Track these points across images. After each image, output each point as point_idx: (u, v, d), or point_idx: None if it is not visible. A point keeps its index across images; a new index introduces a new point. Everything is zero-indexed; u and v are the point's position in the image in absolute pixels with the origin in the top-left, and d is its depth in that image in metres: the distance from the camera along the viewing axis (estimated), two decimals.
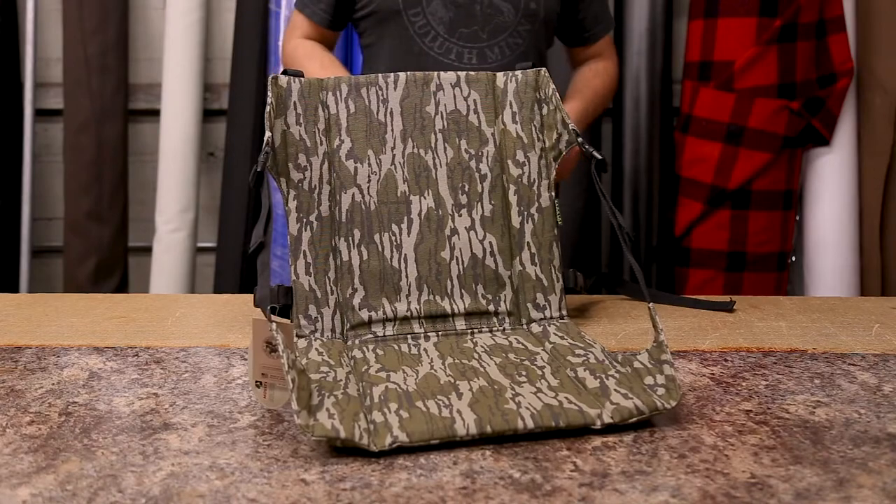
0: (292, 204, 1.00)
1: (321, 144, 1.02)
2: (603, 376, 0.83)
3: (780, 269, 2.16)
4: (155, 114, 2.37)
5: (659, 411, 0.78)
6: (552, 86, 1.08)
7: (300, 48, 1.47)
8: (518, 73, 1.09)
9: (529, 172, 1.06)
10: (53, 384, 0.89)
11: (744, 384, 0.89)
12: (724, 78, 2.08)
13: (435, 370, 0.87)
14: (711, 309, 1.17)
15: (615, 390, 0.80)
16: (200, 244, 2.41)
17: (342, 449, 0.74)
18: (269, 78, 1.02)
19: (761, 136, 2.08)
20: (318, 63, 1.41)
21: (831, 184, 2.16)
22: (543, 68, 1.10)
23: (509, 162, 1.06)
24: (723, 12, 2.09)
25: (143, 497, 0.66)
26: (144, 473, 0.69)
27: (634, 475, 0.69)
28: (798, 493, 0.66)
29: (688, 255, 2.17)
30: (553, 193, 1.06)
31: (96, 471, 0.70)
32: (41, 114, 2.44)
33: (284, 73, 1.04)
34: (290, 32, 1.51)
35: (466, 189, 1.03)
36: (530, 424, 0.75)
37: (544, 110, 1.07)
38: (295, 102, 1.03)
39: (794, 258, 2.27)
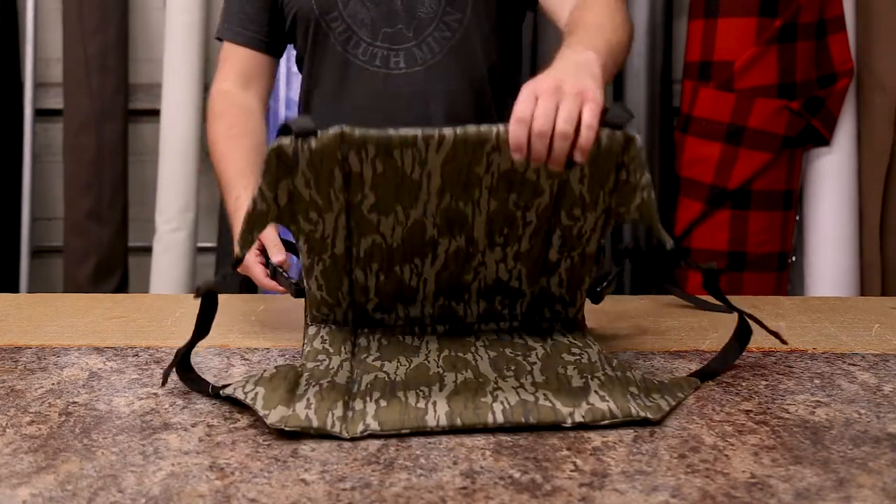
0: (303, 245, 0.90)
1: (337, 200, 0.85)
2: (589, 377, 0.84)
3: (780, 269, 2.16)
4: (155, 114, 2.37)
5: (633, 418, 0.78)
6: (642, 155, 0.83)
7: (216, 101, 1.23)
8: (603, 134, 0.80)
9: (583, 226, 0.90)
10: (53, 384, 0.89)
11: (744, 384, 0.89)
12: (724, 78, 2.08)
13: (428, 361, 0.88)
14: (712, 310, 1.17)
15: (595, 391, 0.81)
16: (200, 244, 2.41)
17: (342, 449, 0.74)
18: (269, 149, 0.81)
19: (761, 136, 2.07)
20: (225, 126, 1.19)
21: (831, 184, 2.16)
22: (637, 136, 0.83)
23: (563, 212, 0.89)
24: (723, 12, 2.09)
25: (143, 497, 0.66)
26: (144, 473, 0.69)
27: (634, 475, 0.69)
28: (798, 493, 0.66)
29: (688, 256, 2.17)
30: (603, 240, 0.93)
31: (96, 471, 0.70)
32: (41, 114, 2.44)
33: (285, 128, 0.81)
34: (218, 70, 1.26)
35: (505, 232, 0.90)
36: (500, 419, 0.77)
37: (622, 174, 0.85)
38: (304, 170, 0.83)
39: (794, 258, 2.27)
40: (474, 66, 1.20)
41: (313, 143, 0.79)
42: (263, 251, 1.07)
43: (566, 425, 0.78)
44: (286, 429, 0.75)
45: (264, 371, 0.83)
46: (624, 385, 0.83)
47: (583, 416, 0.78)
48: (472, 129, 0.79)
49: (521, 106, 0.78)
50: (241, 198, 1.10)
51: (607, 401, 0.80)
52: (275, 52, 1.27)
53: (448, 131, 0.79)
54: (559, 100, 0.78)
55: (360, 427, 0.76)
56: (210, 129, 1.21)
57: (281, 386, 0.81)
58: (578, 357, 0.89)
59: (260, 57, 1.24)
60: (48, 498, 0.66)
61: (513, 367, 0.87)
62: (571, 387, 0.83)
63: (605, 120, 0.80)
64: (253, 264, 1.06)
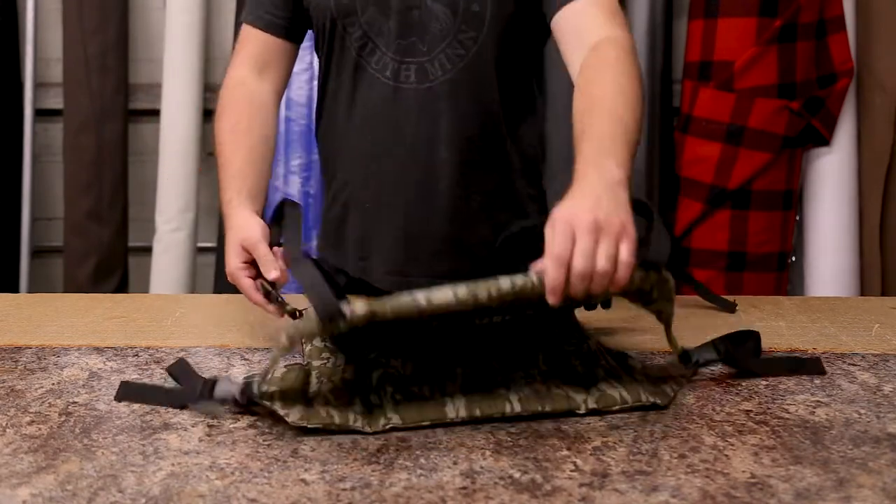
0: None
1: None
2: (593, 365, 0.86)
3: (780, 269, 2.16)
4: (155, 114, 2.37)
5: (643, 403, 0.81)
6: (672, 294, 0.84)
7: (227, 91, 1.19)
8: (637, 275, 0.79)
9: (594, 297, 0.88)
10: (53, 384, 0.89)
11: (744, 384, 0.89)
12: (724, 78, 2.08)
13: (432, 356, 0.89)
14: (716, 303, 1.18)
15: (603, 379, 0.84)
16: (200, 244, 2.40)
17: (342, 449, 0.74)
18: (292, 333, 0.76)
19: (761, 136, 2.07)
20: (231, 122, 1.15)
21: (831, 184, 2.16)
22: (670, 278, 0.82)
23: None
24: (723, 12, 2.09)
25: (143, 497, 0.66)
26: (144, 473, 0.69)
27: (634, 475, 0.69)
28: (798, 493, 0.66)
29: (688, 255, 2.17)
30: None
31: (96, 471, 0.70)
32: (41, 114, 2.44)
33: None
34: (235, 53, 1.22)
35: (514, 306, 0.89)
36: (517, 408, 0.79)
37: (646, 286, 0.82)
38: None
39: (794, 258, 2.27)
40: (487, 86, 1.14)
41: (341, 324, 0.75)
42: (254, 263, 1.00)
43: (580, 412, 0.80)
44: (308, 426, 0.76)
45: (273, 371, 0.82)
46: (629, 372, 0.85)
47: (595, 403, 0.80)
48: (506, 288, 0.74)
49: (561, 246, 0.75)
50: (232, 201, 1.06)
51: (617, 387, 0.82)
52: (295, 38, 1.22)
53: (483, 294, 0.74)
54: (598, 237, 0.75)
55: (382, 421, 0.77)
56: (217, 121, 1.18)
57: (294, 385, 0.81)
58: (577, 347, 0.90)
59: (279, 42, 1.20)
60: (48, 498, 0.66)
61: (518, 358, 0.88)
62: (580, 375, 0.84)
63: (641, 258, 0.78)
64: (240, 279, 0.99)
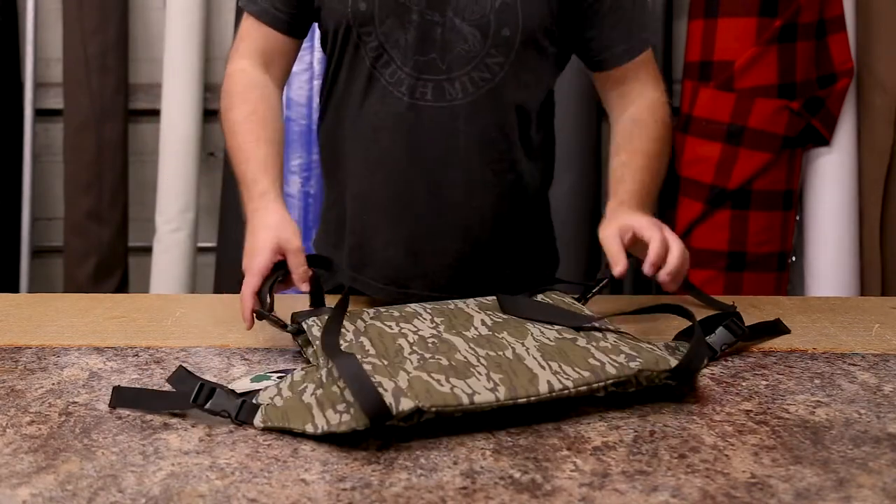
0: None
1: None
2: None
3: (780, 269, 2.16)
4: (155, 114, 2.37)
5: (655, 375, 0.83)
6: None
7: (233, 81, 1.17)
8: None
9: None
10: (53, 384, 0.89)
11: (744, 384, 0.89)
12: (724, 78, 2.08)
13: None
14: (714, 307, 1.18)
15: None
16: (200, 244, 2.41)
17: (342, 449, 0.74)
18: (342, 430, 0.75)
19: (761, 136, 2.08)
20: (245, 112, 1.13)
21: (831, 184, 2.16)
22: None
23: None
24: (723, 12, 2.09)
25: (143, 497, 0.66)
26: (144, 473, 0.69)
27: (634, 475, 0.69)
28: (798, 493, 0.66)
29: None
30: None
31: (96, 471, 0.70)
32: (41, 114, 2.44)
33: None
34: (237, 43, 1.19)
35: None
36: (544, 390, 0.79)
37: None
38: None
39: (794, 258, 2.27)
40: (507, 110, 1.13)
41: (387, 421, 0.76)
42: (276, 267, 0.99)
43: (599, 395, 0.82)
44: (339, 431, 0.74)
45: (287, 387, 0.82)
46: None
47: (613, 386, 0.82)
48: (544, 393, 0.79)
49: (661, 235, 0.99)
50: (268, 193, 1.04)
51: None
52: (298, 35, 1.19)
53: (522, 399, 0.78)
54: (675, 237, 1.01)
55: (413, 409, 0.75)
56: (227, 111, 1.14)
57: (294, 403, 0.80)
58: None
59: (281, 38, 1.17)
60: (48, 498, 0.66)
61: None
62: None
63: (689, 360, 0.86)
64: (254, 280, 0.97)
